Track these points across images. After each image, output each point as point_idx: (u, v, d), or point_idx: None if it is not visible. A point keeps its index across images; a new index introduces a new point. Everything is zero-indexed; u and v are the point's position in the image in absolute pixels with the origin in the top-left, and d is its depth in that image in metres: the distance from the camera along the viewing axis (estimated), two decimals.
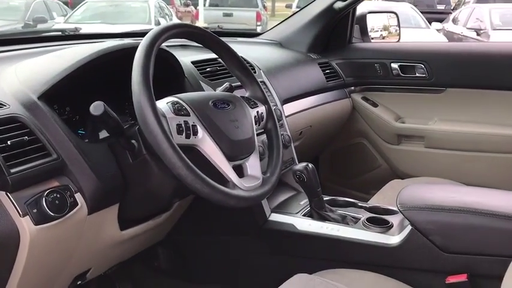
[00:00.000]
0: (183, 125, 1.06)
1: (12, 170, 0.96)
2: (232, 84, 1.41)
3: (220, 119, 1.13)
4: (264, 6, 13.91)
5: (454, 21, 10.09)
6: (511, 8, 9.30)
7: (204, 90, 1.48)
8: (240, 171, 1.17)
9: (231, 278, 1.62)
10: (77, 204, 1.05)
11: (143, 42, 1.07)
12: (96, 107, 1.00)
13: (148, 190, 1.17)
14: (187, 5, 12.96)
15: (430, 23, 9.19)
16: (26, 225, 0.97)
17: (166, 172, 1.13)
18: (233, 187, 1.09)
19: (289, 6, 13.26)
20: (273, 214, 1.51)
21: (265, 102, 1.30)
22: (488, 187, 2.01)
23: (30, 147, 1.01)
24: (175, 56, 1.38)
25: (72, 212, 1.04)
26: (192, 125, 1.07)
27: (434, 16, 11.03)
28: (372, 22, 2.47)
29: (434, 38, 8.16)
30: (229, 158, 1.11)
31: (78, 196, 1.06)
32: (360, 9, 2.38)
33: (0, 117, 1.01)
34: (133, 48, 1.09)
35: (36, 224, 0.97)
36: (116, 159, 1.14)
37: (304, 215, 1.50)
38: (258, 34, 2.45)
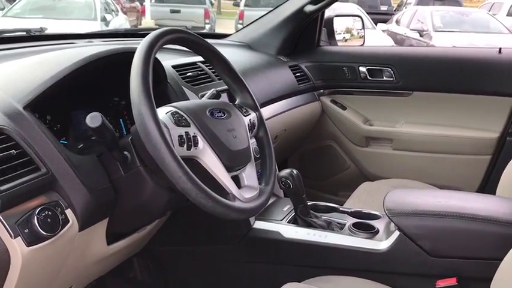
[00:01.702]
0: (184, 136, 1.02)
1: (1, 188, 0.88)
2: (218, 90, 1.38)
3: (219, 129, 1.09)
4: (212, 4, 13.77)
5: (398, 22, 10.41)
6: (451, 10, 9.76)
7: (187, 97, 1.43)
8: (237, 181, 1.14)
9: None
10: (68, 221, 0.99)
11: (141, 48, 1.01)
12: (94, 118, 0.94)
13: (140, 203, 1.12)
14: (132, 1, 12.65)
15: (375, 24, 9.44)
16: (18, 247, 0.89)
17: (161, 185, 1.08)
18: (233, 199, 1.06)
19: (236, 5, 13.16)
20: (257, 222, 1.49)
21: (255, 109, 1.27)
22: (453, 187, 2.10)
23: (17, 162, 0.94)
24: (159, 60, 1.32)
25: (64, 230, 0.97)
26: (193, 136, 1.03)
27: (377, 17, 11.32)
28: (335, 25, 2.49)
29: (380, 38, 8.38)
30: (229, 169, 1.08)
31: (68, 212, 0.99)
32: (326, 12, 2.40)
33: None
34: (125, 54, 1.03)
35: (28, 246, 0.90)
36: (107, 172, 1.08)
37: (288, 222, 1.48)
38: (226, 35, 2.41)
